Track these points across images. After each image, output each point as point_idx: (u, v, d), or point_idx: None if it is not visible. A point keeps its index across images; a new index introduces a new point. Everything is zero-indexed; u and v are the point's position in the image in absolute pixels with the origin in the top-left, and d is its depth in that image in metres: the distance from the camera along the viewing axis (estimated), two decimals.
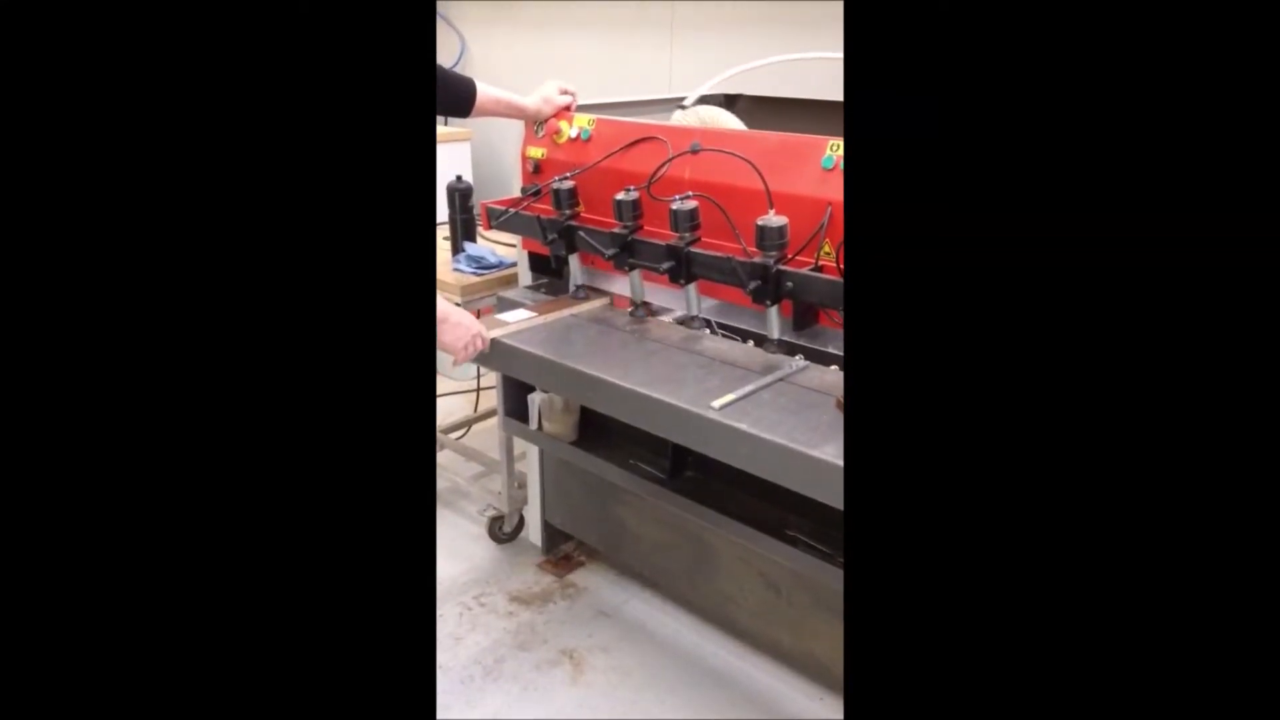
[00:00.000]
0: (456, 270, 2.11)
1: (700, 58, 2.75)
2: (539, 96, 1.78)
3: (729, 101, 2.24)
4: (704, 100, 2.05)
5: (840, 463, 1.14)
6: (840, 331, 1.46)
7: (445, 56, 3.29)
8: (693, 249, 1.49)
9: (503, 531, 2.28)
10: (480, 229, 2.22)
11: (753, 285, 1.39)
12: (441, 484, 2.46)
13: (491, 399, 2.49)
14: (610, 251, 1.58)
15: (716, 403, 1.28)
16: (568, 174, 1.69)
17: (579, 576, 2.17)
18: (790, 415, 1.26)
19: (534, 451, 2.13)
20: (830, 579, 1.52)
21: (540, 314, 1.65)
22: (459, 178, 2.28)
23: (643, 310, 1.66)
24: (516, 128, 1.87)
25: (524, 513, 2.28)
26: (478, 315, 1.61)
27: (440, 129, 2.92)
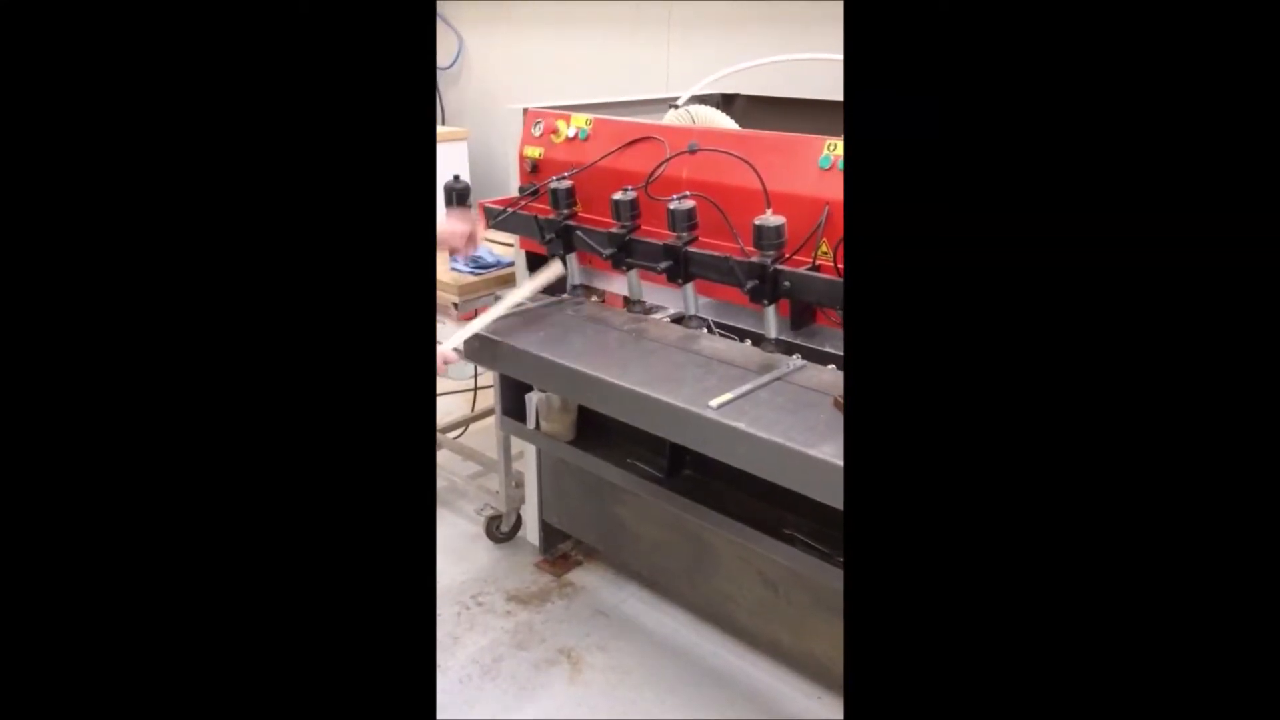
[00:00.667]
0: (454, 270, 2.11)
1: (698, 56, 2.75)
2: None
3: (726, 101, 2.25)
4: (700, 100, 2.06)
5: (837, 462, 1.14)
6: (837, 331, 1.46)
7: (443, 55, 3.29)
8: (690, 248, 1.49)
9: (500, 531, 2.28)
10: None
11: (750, 285, 1.39)
12: (439, 483, 2.46)
13: (489, 398, 2.49)
14: (608, 251, 1.58)
15: (714, 402, 1.28)
16: (565, 174, 1.69)
17: (577, 576, 2.17)
18: (787, 414, 1.26)
19: (531, 451, 2.13)
20: (828, 578, 1.53)
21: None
22: (456, 177, 2.28)
23: (639, 307, 1.66)
24: (514, 127, 1.87)
25: (521, 512, 2.28)
26: (474, 315, 1.61)
27: (438, 129, 2.92)
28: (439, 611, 2.02)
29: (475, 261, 2.11)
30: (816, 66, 1.88)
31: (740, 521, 1.60)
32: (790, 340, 1.48)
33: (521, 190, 1.80)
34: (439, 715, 1.62)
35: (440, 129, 2.93)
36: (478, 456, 2.36)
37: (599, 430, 1.88)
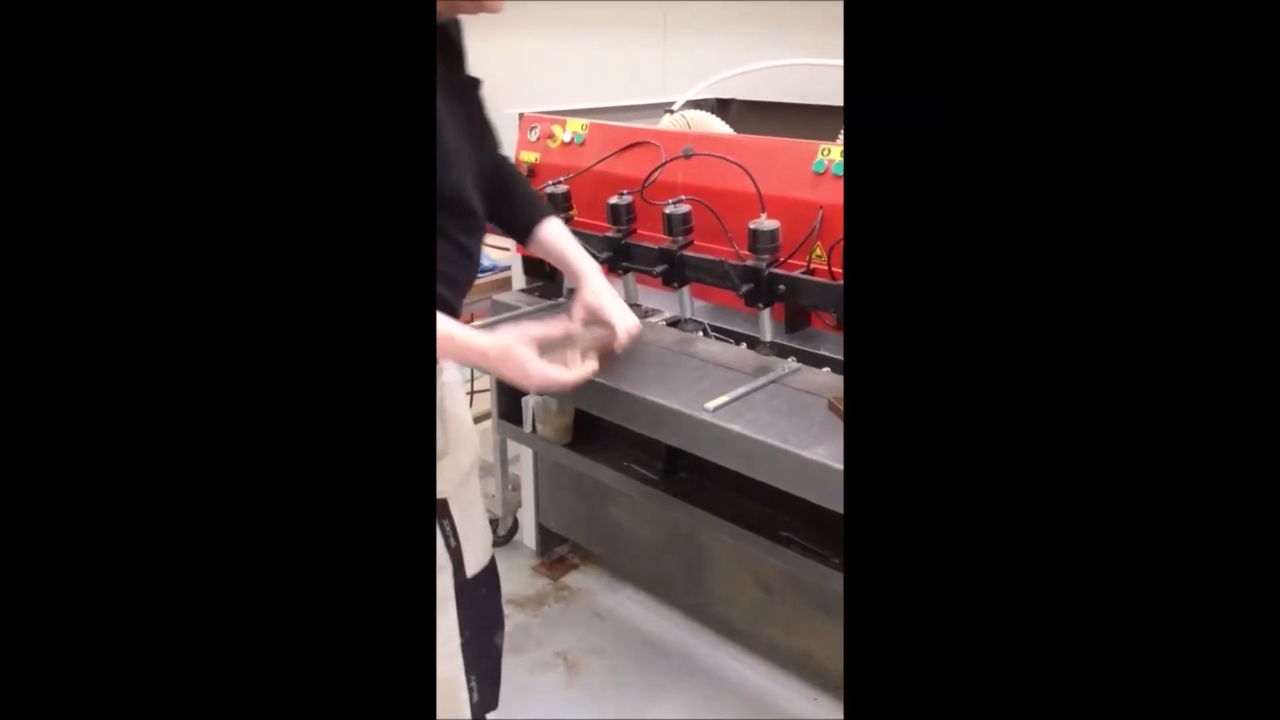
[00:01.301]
0: None
1: (694, 60, 2.76)
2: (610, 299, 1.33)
3: (720, 106, 2.26)
4: (696, 105, 2.07)
5: (832, 464, 1.15)
6: (832, 334, 1.47)
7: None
8: (686, 252, 1.50)
9: (497, 534, 2.29)
10: None
11: (745, 288, 1.40)
12: None
13: (485, 401, 2.49)
14: (604, 255, 1.59)
15: (710, 404, 1.29)
16: (561, 178, 1.70)
17: (573, 579, 2.18)
18: (783, 417, 1.27)
19: (528, 454, 2.13)
20: (823, 579, 1.53)
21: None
22: None
23: (636, 310, 1.67)
24: (510, 132, 1.88)
25: (518, 515, 2.28)
26: (470, 320, 1.61)
27: None
28: None
29: None
30: (811, 71, 1.89)
31: (736, 524, 1.61)
32: (785, 343, 1.49)
33: None
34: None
35: None
36: None
37: (595, 433, 1.89)
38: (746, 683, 1.85)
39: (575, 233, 1.66)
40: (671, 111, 1.93)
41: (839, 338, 1.45)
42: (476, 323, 1.58)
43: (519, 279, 1.98)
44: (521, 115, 1.88)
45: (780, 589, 1.74)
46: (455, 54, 1.19)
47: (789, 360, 1.44)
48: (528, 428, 1.91)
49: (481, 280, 2.10)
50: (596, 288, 1.32)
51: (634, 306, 1.67)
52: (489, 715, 1.34)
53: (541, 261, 1.78)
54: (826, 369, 1.45)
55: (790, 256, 1.40)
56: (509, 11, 1.17)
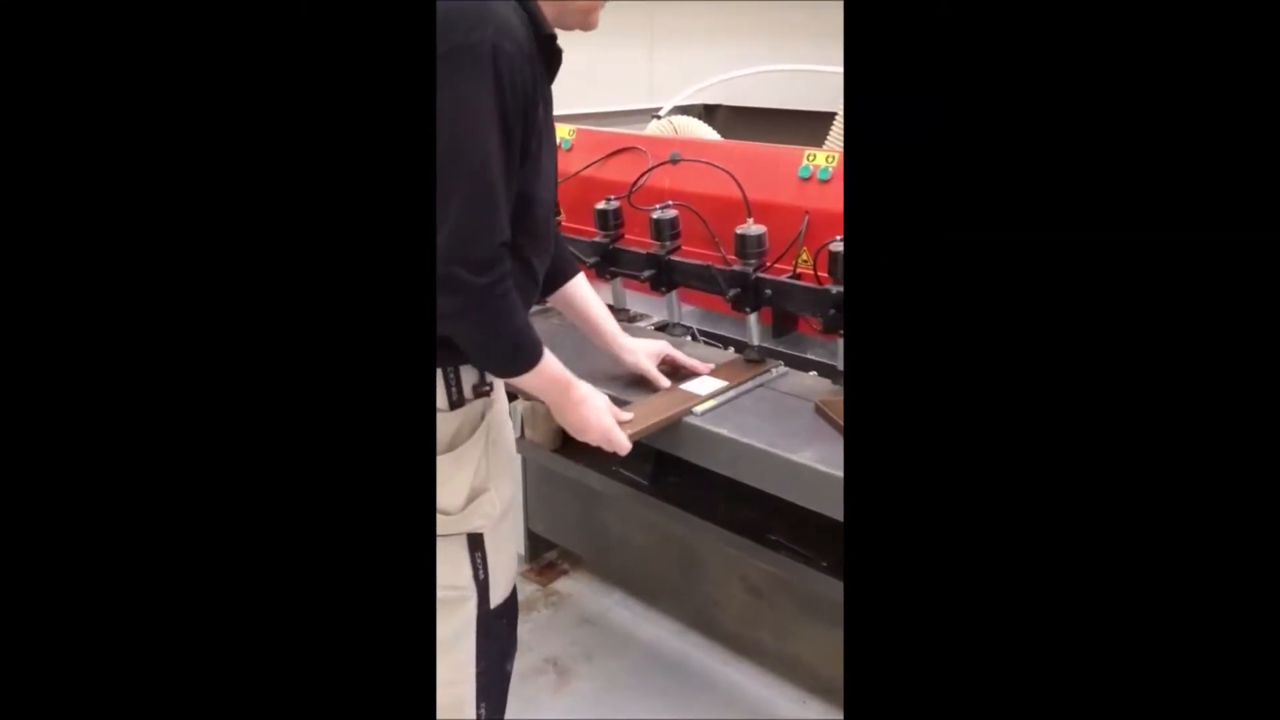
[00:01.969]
0: None
1: (681, 67, 2.77)
2: (642, 351, 1.37)
3: (707, 111, 2.27)
4: (683, 111, 2.08)
5: (820, 467, 1.16)
6: (818, 339, 1.48)
7: None
8: (673, 257, 1.50)
9: None
10: None
11: (732, 293, 1.41)
12: None
13: None
14: (592, 260, 1.59)
15: (698, 408, 1.30)
16: None
17: (563, 584, 2.17)
18: (770, 421, 1.27)
19: (517, 459, 2.13)
20: (812, 582, 1.54)
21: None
22: None
23: (623, 315, 1.67)
24: None
25: None
26: None
27: None
28: None
29: None
30: (797, 77, 1.90)
31: (725, 528, 1.61)
32: (772, 347, 1.50)
33: None
34: None
35: None
36: None
37: None
38: (736, 687, 1.85)
39: (563, 239, 1.67)
40: (659, 117, 1.94)
41: (825, 342, 1.46)
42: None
43: None
44: None
45: (769, 593, 1.75)
46: (554, 69, 1.14)
47: (776, 364, 1.45)
48: (516, 433, 1.91)
49: None
50: (632, 347, 1.36)
51: (622, 311, 1.67)
52: None
53: None
54: (813, 372, 1.45)
55: (777, 261, 1.41)
56: None
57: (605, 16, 1.08)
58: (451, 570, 1.16)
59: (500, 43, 0.95)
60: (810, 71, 1.78)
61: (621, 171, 1.63)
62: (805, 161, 1.43)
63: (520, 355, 1.10)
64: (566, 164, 1.74)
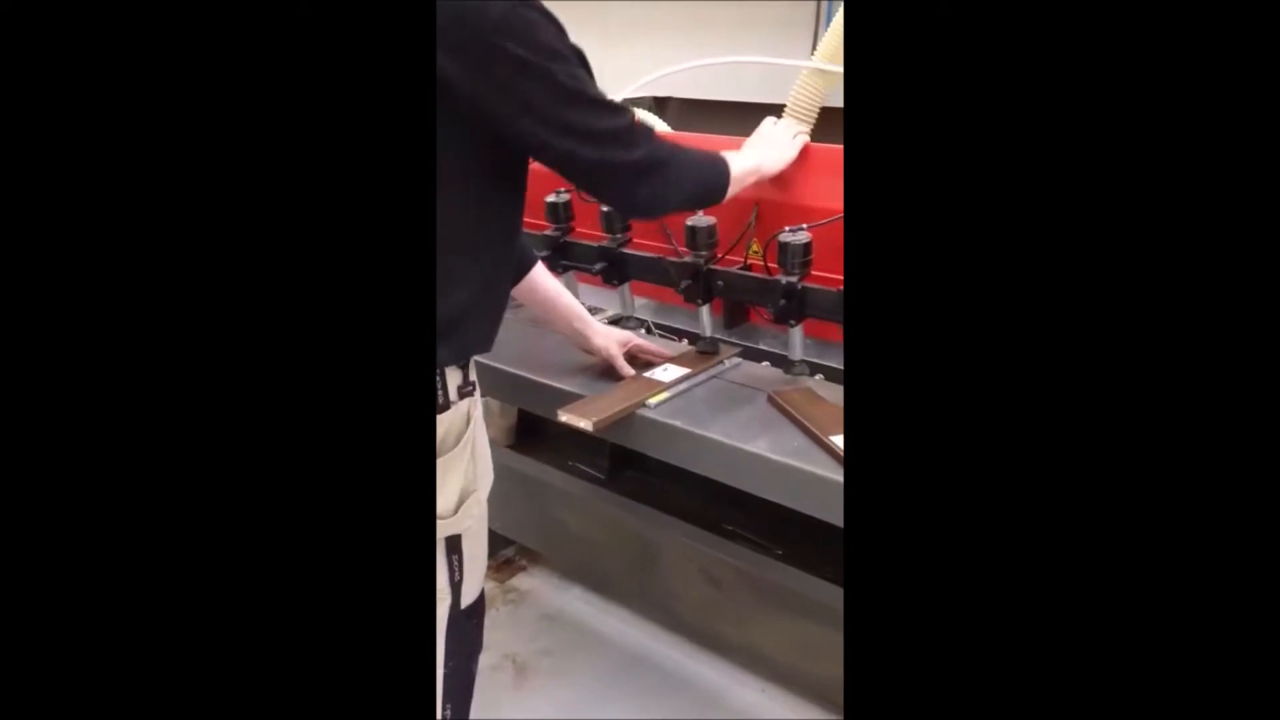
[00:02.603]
0: None
1: (635, 60, 2.76)
2: (610, 338, 1.39)
3: (658, 104, 2.26)
4: (634, 103, 2.07)
5: (772, 456, 1.16)
6: (770, 329, 1.48)
7: None
8: (625, 250, 1.50)
9: None
10: None
11: (684, 285, 1.41)
12: None
13: None
14: (543, 254, 1.58)
15: (652, 401, 1.29)
16: None
17: (521, 581, 2.16)
18: (724, 411, 1.28)
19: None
20: (769, 572, 1.55)
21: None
22: None
23: None
24: None
25: None
26: None
27: None
28: None
29: None
30: (749, 69, 1.91)
31: (682, 519, 1.61)
32: (725, 339, 1.50)
33: None
34: None
35: None
36: None
37: (539, 433, 1.88)
38: (697, 678, 1.86)
39: None
40: None
41: (777, 332, 1.47)
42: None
43: None
44: None
45: (728, 583, 1.75)
46: None
47: (729, 355, 1.46)
48: None
49: None
50: (604, 332, 1.40)
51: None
52: None
53: None
54: (765, 363, 1.46)
55: (728, 252, 1.41)
56: None
57: (560, 11, 1.08)
58: None
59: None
60: (762, 64, 1.78)
61: None
62: None
63: (718, 170, 1.20)
64: None
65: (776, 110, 1.75)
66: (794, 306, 1.31)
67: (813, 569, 1.49)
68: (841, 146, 1.64)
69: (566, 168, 1.09)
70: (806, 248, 1.29)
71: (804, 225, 1.30)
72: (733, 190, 1.21)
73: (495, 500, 2.12)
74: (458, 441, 1.13)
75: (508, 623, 2.01)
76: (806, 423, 1.19)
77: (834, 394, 1.29)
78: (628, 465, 1.76)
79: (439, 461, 1.11)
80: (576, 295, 1.66)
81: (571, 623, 2.02)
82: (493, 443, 1.85)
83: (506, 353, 1.49)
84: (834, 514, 1.12)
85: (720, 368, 1.41)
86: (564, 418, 1.24)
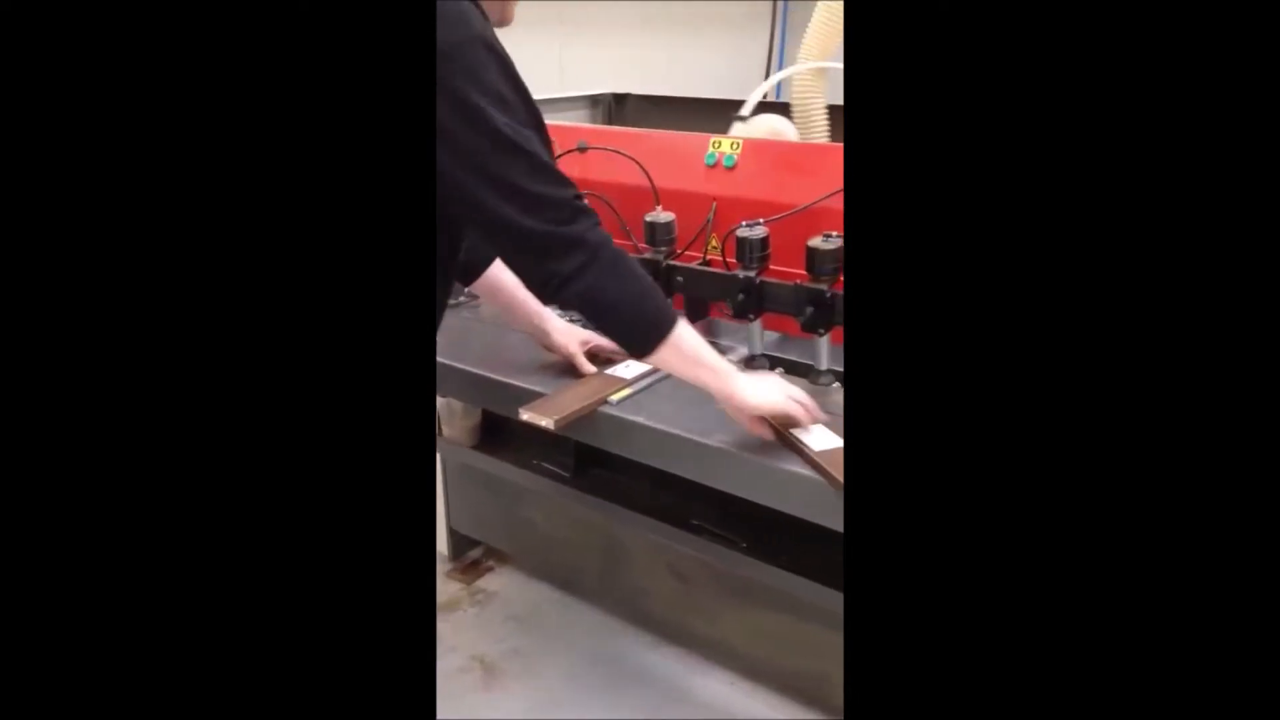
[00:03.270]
0: None
1: (591, 56, 2.76)
2: (570, 335, 1.37)
3: (617, 101, 2.27)
4: (592, 101, 2.07)
5: (733, 449, 1.17)
6: (730, 324, 1.50)
7: None
8: None
9: None
10: None
11: None
12: None
13: None
14: None
15: (614, 397, 1.30)
16: None
17: (488, 582, 2.15)
18: (685, 406, 1.28)
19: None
20: (735, 565, 1.56)
21: None
22: None
23: None
24: None
25: None
26: None
27: None
28: None
29: None
30: (701, 68, 1.91)
31: (648, 515, 1.62)
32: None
33: None
34: None
35: None
36: None
37: (503, 433, 1.87)
38: (666, 672, 1.86)
39: None
40: (743, 118, 1.77)
41: (737, 327, 1.48)
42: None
43: None
44: None
45: (695, 577, 1.77)
46: None
47: None
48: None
49: None
50: (564, 329, 1.36)
51: None
52: None
53: None
54: (728, 357, 1.47)
55: (687, 248, 1.42)
56: None
57: (519, 8, 1.08)
58: None
59: (488, 33, 0.98)
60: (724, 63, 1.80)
61: None
62: (711, 149, 1.44)
63: (657, 306, 1.06)
64: None
65: (734, 106, 1.76)
66: (752, 301, 1.32)
67: (771, 559, 1.50)
68: (796, 143, 1.65)
69: (483, 222, 1.00)
70: (764, 242, 1.31)
71: (761, 220, 1.31)
72: (665, 352, 1.06)
73: (460, 501, 2.12)
74: None
75: (475, 624, 2.00)
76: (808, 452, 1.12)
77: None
78: (593, 463, 1.76)
79: None
80: None
81: (540, 622, 2.01)
82: (457, 443, 1.85)
83: (468, 353, 1.49)
84: (794, 506, 1.14)
85: None
86: (525, 416, 1.24)
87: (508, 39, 1.03)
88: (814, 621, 1.56)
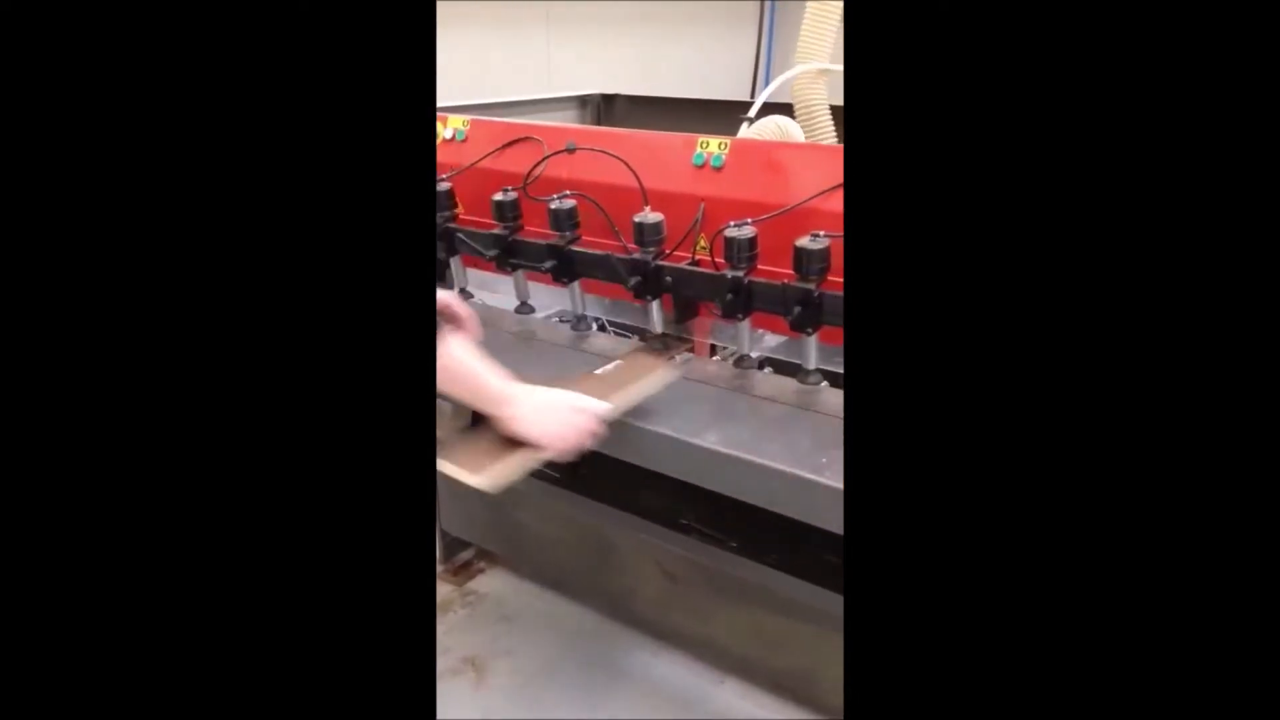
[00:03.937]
0: None
1: (578, 55, 2.76)
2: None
3: (605, 101, 2.27)
4: (580, 101, 2.07)
5: (722, 449, 1.17)
6: (720, 324, 1.50)
7: None
8: (574, 248, 1.50)
9: None
10: None
11: (633, 281, 1.41)
12: None
13: None
14: (491, 252, 1.57)
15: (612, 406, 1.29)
16: (443, 176, 1.67)
17: (479, 583, 2.15)
18: (676, 406, 1.29)
19: None
20: (723, 564, 1.57)
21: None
22: None
23: (526, 308, 1.65)
24: None
25: None
26: None
27: None
28: None
29: None
30: (690, 68, 1.92)
31: (637, 515, 1.62)
32: (675, 334, 1.51)
33: None
34: None
35: None
36: None
37: None
38: (656, 672, 1.87)
39: (461, 232, 1.64)
40: (749, 120, 1.77)
41: (726, 327, 1.48)
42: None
43: None
44: None
45: (684, 576, 1.77)
46: None
47: (680, 350, 1.46)
48: None
49: None
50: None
51: (524, 305, 1.66)
52: None
53: None
54: (716, 358, 1.47)
55: (675, 249, 1.42)
56: None
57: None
58: None
59: None
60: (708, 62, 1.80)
61: (518, 162, 1.61)
62: (699, 149, 1.45)
63: None
64: (461, 156, 1.71)
65: (722, 106, 1.77)
66: (741, 301, 1.32)
67: (761, 558, 1.50)
68: (783, 143, 1.66)
69: None
70: (752, 242, 1.31)
71: (749, 220, 1.31)
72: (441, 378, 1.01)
73: (451, 502, 2.11)
74: None
75: (467, 626, 2.00)
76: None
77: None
78: (582, 463, 1.76)
79: None
80: (526, 295, 1.66)
81: (531, 623, 2.01)
82: (445, 444, 1.84)
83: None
84: (781, 505, 1.14)
85: (669, 375, 1.40)
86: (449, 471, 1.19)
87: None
88: (804, 620, 1.57)
